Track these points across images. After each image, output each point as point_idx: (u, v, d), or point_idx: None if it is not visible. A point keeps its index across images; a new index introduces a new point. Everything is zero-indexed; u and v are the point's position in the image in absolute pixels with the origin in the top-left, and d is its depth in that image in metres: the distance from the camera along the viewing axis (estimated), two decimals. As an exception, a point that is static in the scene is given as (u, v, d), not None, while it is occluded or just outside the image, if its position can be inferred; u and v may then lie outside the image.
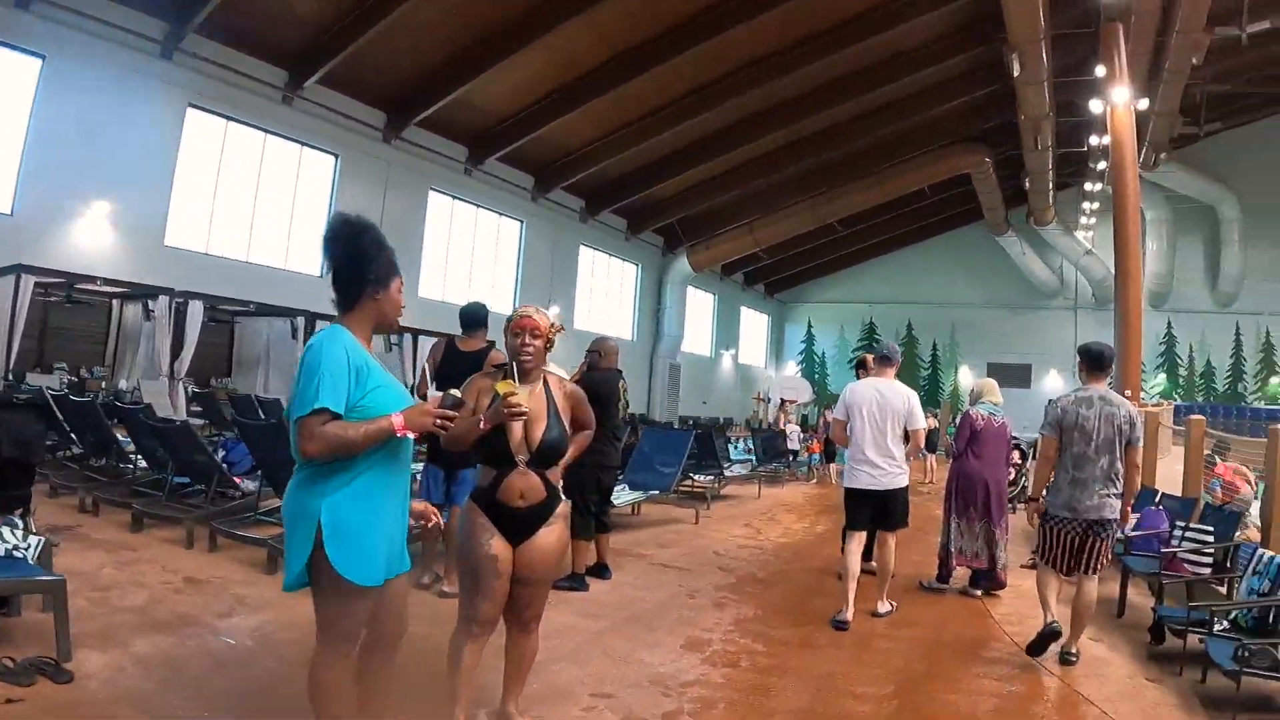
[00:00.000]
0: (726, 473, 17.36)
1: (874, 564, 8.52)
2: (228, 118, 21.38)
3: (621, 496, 11.63)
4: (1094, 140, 31.06)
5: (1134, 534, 9.08)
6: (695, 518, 13.27)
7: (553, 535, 4.54)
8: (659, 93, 26.86)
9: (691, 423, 35.32)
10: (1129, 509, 6.94)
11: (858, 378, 9.25)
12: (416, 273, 26.14)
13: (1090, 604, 6.72)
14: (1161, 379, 46.24)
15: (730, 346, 48.85)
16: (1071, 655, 6.67)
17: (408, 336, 22.71)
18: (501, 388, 4.26)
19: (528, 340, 4.56)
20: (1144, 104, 25.13)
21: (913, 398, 8.11)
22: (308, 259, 22.94)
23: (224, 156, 21.57)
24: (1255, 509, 9.20)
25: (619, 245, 37.49)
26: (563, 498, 4.65)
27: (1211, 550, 8.38)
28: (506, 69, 23.22)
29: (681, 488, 15.19)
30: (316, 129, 23.09)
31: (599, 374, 8.96)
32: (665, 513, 13.40)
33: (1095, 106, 25.44)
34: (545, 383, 4.65)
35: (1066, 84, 28.56)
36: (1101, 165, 33.52)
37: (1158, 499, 10.39)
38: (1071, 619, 6.70)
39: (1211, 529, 8.62)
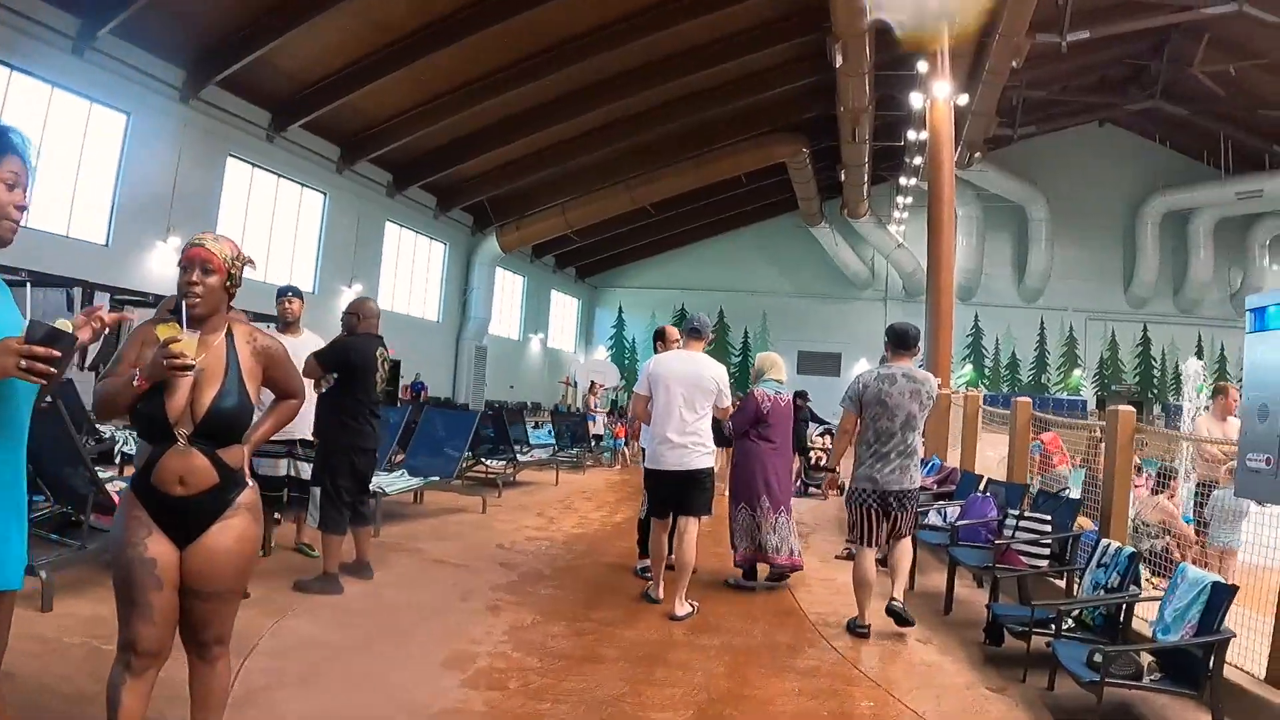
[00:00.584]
0: (523, 457, 16.88)
1: (671, 559, 7.95)
2: (10, 66, 20.15)
3: (396, 483, 11.23)
4: (911, 135, 32.24)
5: (961, 524, 9.01)
6: (483, 506, 12.73)
7: (230, 533, 3.55)
8: (473, 64, 26.72)
9: (496, 406, 35.29)
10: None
11: (655, 351, 8.82)
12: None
13: (907, 554, 7.42)
14: (968, 369, 48.91)
15: (539, 330, 49.03)
16: (897, 603, 7.08)
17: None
18: (162, 332, 3.39)
19: (197, 276, 3.57)
20: (963, 99, 26.11)
21: (723, 375, 7.85)
22: (92, 225, 22.14)
23: (3, 109, 20.35)
24: (1075, 493, 9.35)
25: (427, 223, 37.09)
26: (246, 483, 3.67)
27: (1049, 541, 7.84)
28: (314, 29, 22.68)
29: (474, 474, 15.24)
30: (108, 84, 21.96)
31: (356, 339, 8.04)
32: (452, 501, 12.73)
33: (915, 100, 26.34)
34: (230, 334, 3.69)
35: (888, 78, 29.82)
36: (917, 160, 35.05)
37: (983, 485, 10.29)
38: (892, 575, 7.31)
39: (1048, 517, 8.01)
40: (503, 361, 43.94)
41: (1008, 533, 8.16)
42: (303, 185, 29.72)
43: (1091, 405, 43.28)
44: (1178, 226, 46.93)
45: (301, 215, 30.16)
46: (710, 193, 41.09)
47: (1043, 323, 50.35)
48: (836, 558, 10.53)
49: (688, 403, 7.60)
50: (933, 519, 10.36)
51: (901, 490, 7.13)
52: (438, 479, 12.01)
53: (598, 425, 24.03)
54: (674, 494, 7.77)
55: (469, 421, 13.45)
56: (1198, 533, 8.97)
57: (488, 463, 15.53)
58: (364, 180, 32.06)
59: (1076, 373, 49.92)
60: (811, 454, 17.95)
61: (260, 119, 26.65)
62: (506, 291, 45.53)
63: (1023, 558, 7.92)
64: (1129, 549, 6.53)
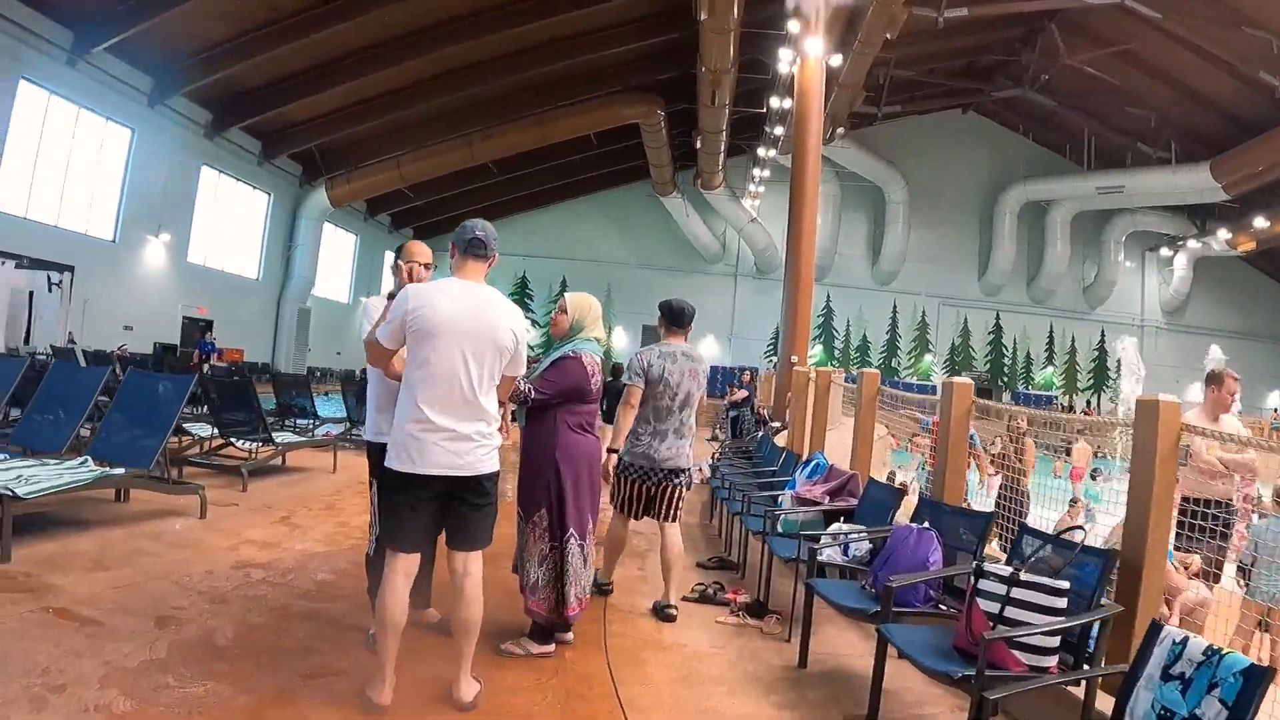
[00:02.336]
0: (281, 439, 12.66)
1: (430, 614, 6.05)
2: None
3: (42, 479, 7.36)
4: (775, 102, 31.38)
5: (896, 580, 5.37)
6: (200, 508, 8.88)
7: None
8: (299, -7, 24.80)
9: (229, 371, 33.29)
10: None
11: (397, 277, 5.65)
12: (-9, 181, 22.83)
13: (679, 553, 7.09)
14: (818, 350, 48.76)
15: (372, 293, 45.79)
16: (671, 609, 6.87)
17: None
18: None
19: None
20: (836, 60, 25.28)
21: (523, 323, 5.02)
22: None
23: None
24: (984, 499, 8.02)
25: (250, 170, 34.68)
26: None
27: (1065, 617, 4.48)
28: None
29: (227, 455, 11.97)
30: None
31: None
32: (167, 502, 8.95)
33: (783, 62, 25.26)
34: None
35: (754, 38, 28.64)
36: (778, 131, 34.52)
37: (903, 505, 7.24)
38: (665, 574, 7.02)
39: (1063, 583, 4.53)
40: (330, 326, 41.93)
41: (988, 602, 4.62)
42: (107, 119, 26.98)
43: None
44: (1035, 217, 47.91)
45: (105, 152, 27.38)
46: (557, 154, 39.89)
47: (895, 306, 50.66)
48: (687, 599, 7.32)
49: (475, 366, 4.67)
50: (830, 554, 6.78)
51: (675, 468, 6.99)
52: (119, 472, 8.32)
53: None
54: (440, 515, 4.81)
55: (179, 390, 9.25)
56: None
57: (239, 444, 11.96)
58: (178, 117, 29.48)
59: (928, 358, 50.46)
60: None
61: (60, 38, 23.89)
62: (336, 250, 43.56)
63: (1018, 654, 4.37)
64: (1240, 657, 3.58)
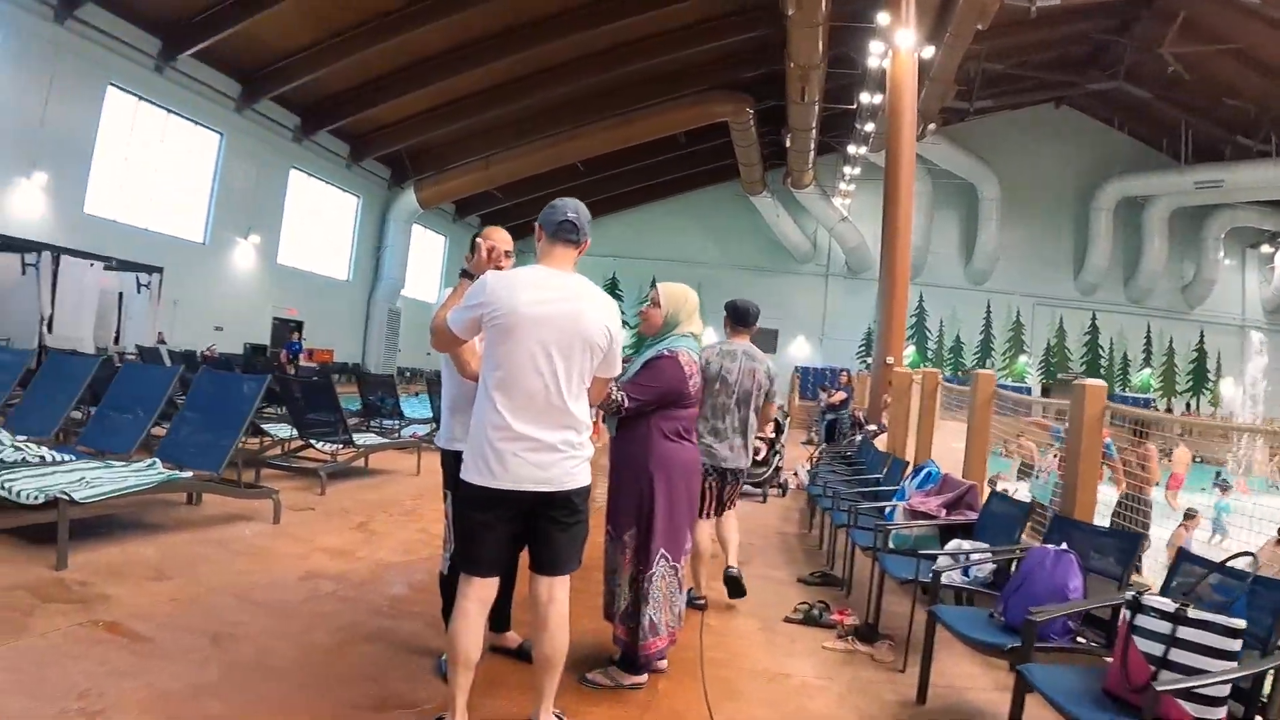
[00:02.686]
0: (363, 440, 11.93)
1: (510, 638, 5.35)
2: None
3: (101, 483, 6.85)
4: (865, 98, 30.82)
5: (1039, 613, 4.48)
6: (274, 514, 8.30)
7: None
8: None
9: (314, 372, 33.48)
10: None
11: (471, 266, 4.59)
12: (83, 183, 23.44)
13: (735, 526, 7.08)
14: (911, 350, 46.98)
15: (439, 297, 46.42)
16: (734, 569, 6.78)
17: (47, 256, 19.56)
18: None
19: None
20: (928, 53, 24.64)
21: (618, 318, 4.28)
22: None
23: None
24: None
25: (339, 173, 35.20)
26: None
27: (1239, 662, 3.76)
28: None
29: (307, 458, 11.49)
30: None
31: None
32: (238, 507, 8.51)
33: (874, 56, 24.73)
34: None
35: (843, 33, 28.11)
36: (869, 127, 33.88)
37: (1038, 527, 6.77)
38: (724, 547, 7.00)
39: (1239, 621, 3.76)
40: (419, 327, 41.23)
41: (1147, 642, 3.87)
42: (196, 123, 27.54)
43: (1036, 393, 42.34)
44: (1131, 214, 46.18)
45: (194, 156, 27.98)
46: (645, 154, 39.56)
47: (989, 306, 49.29)
48: (790, 620, 6.63)
49: (563, 365, 4.00)
50: (950, 574, 6.00)
51: (736, 468, 6.88)
52: (187, 475, 7.80)
53: None
54: (522, 534, 4.20)
55: (253, 389, 8.75)
56: None
57: (319, 446, 11.35)
58: (267, 122, 29.98)
59: (1022, 359, 48.96)
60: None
61: (148, 45, 24.43)
62: (426, 251, 44.02)
63: (1182, 700, 3.62)
64: None
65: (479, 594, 4.07)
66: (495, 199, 42.13)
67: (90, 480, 6.82)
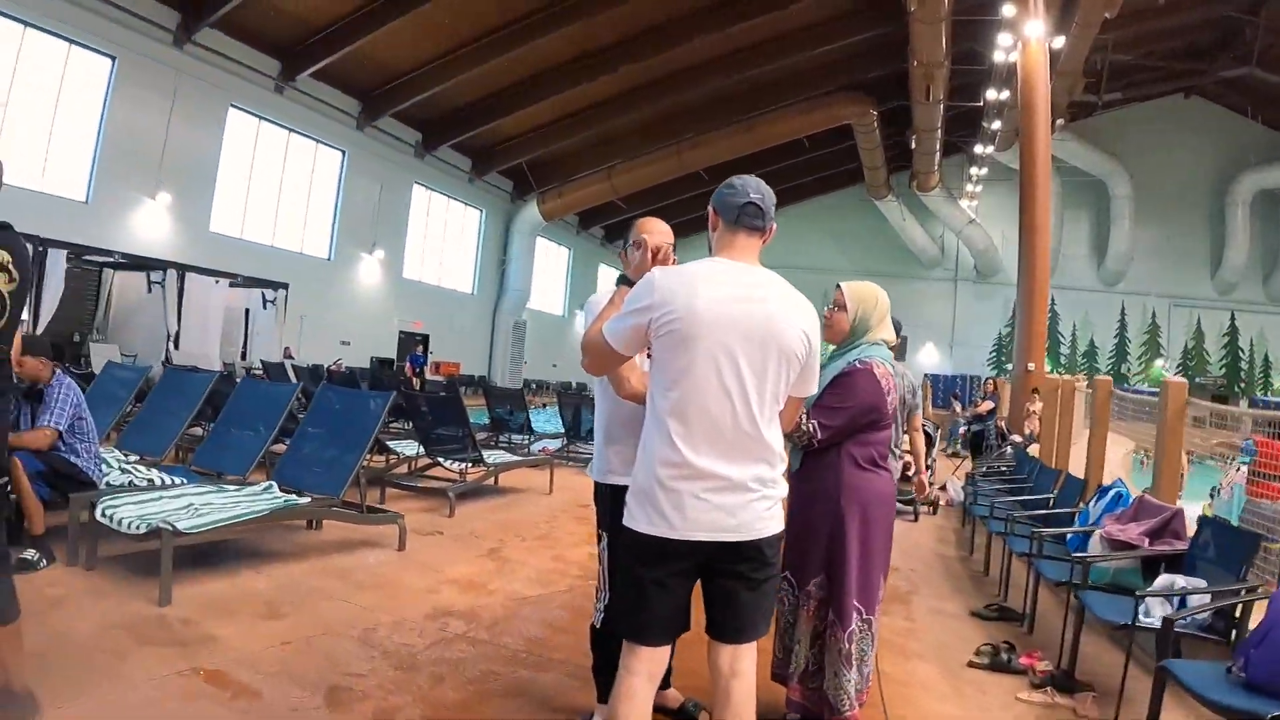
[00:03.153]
0: (493, 458, 11.26)
1: (671, 696, 4.50)
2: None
3: (207, 511, 6.40)
4: (991, 94, 30.07)
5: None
6: (399, 541, 7.75)
7: None
8: (499, 8, 24.90)
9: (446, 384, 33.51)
10: (924, 476, 7.01)
11: (630, 270, 3.90)
12: (209, 204, 23.89)
13: None
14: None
15: (585, 306, 46.38)
16: None
17: (173, 273, 19.98)
18: None
19: None
20: (1059, 42, 23.84)
21: (814, 319, 3.42)
22: (70, 180, 20.53)
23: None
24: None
25: (461, 187, 35.38)
26: None
27: None
28: (320, -34, 20.77)
29: (434, 476, 11.02)
30: (89, 24, 20.26)
31: None
32: (361, 532, 8.00)
33: (1003, 41, 23.86)
34: None
35: (967, 27, 27.32)
36: (996, 125, 33.30)
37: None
38: None
39: None
40: (544, 339, 42.36)
41: None
42: (318, 142, 27.94)
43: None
44: (1270, 208, 44.17)
45: (317, 174, 28.36)
46: (769, 160, 38.00)
47: (1123, 308, 47.43)
48: (974, 664, 5.79)
49: (754, 382, 3.17)
50: (1154, 608, 5.23)
51: None
52: (304, 501, 7.26)
53: None
54: (694, 594, 3.33)
55: (377, 407, 8.10)
56: None
57: (447, 464, 10.84)
58: (388, 139, 30.29)
59: (1158, 363, 46.83)
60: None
61: (267, 67, 24.86)
62: (549, 263, 44.03)
63: None
64: None
65: (648, 667, 3.22)
66: (619, 210, 41.77)
67: (198, 507, 6.44)
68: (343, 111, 27.95)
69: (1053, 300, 44.74)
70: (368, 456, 8.74)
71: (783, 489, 3.27)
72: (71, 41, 20.25)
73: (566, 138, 33.26)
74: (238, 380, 10.81)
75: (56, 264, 17.26)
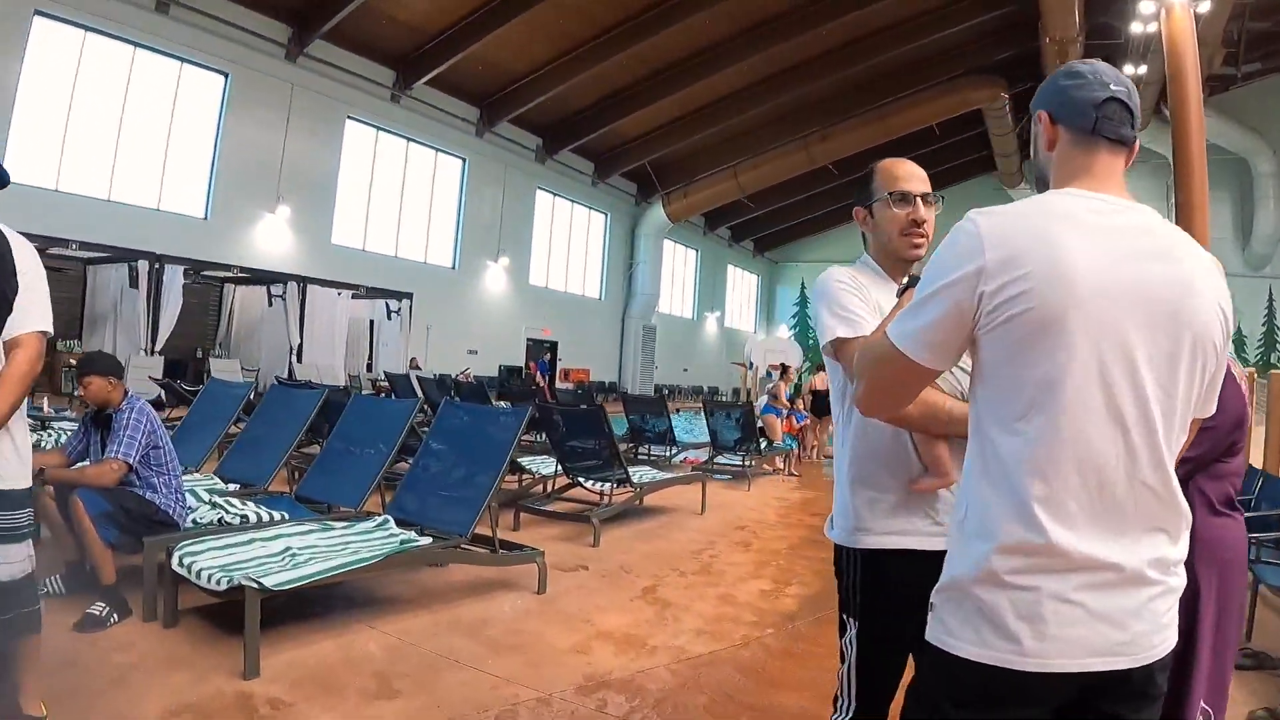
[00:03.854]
0: (639, 475, 9.94)
1: None
2: (85, 27, 18.39)
3: (312, 562, 5.12)
4: (1129, 69, 28.48)
5: None
6: (539, 581, 6.38)
7: None
8: (614, 4, 24.09)
9: (577, 393, 32.79)
10: None
11: (873, 222, 2.86)
12: (329, 216, 23.60)
13: None
14: None
15: (715, 308, 46.40)
16: None
17: (294, 285, 19.57)
18: None
19: None
20: (1204, 6, 22.28)
21: (1223, 283, 2.01)
22: (188, 198, 20.46)
23: (79, 75, 18.55)
24: None
25: (584, 191, 34.73)
26: None
27: None
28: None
29: (574, 499, 9.34)
30: (201, 43, 20.12)
31: None
32: (502, 575, 6.65)
33: (1143, 9, 22.30)
34: None
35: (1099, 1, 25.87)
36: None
37: None
38: None
39: None
40: (674, 342, 41.53)
41: None
42: (437, 150, 27.51)
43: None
44: None
45: (438, 182, 27.95)
46: (897, 151, 36.69)
47: (1271, 294, 43.97)
48: None
49: (1161, 400, 1.74)
50: None
51: None
52: (424, 542, 5.92)
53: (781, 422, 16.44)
54: None
55: (511, 426, 6.73)
56: None
57: (588, 484, 9.31)
58: (509, 144, 29.69)
59: None
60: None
61: (382, 77, 24.48)
62: (677, 266, 43.13)
63: None
64: None
65: None
66: (746, 209, 40.67)
67: (296, 551, 5.26)
68: (461, 119, 27.47)
69: None
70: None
71: (1181, 577, 1.87)
72: (184, 60, 20.11)
73: (689, 136, 32.32)
74: (355, 394, 9.84)
75: (174, 280, 16.96)
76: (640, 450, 13.51)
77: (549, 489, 9.93)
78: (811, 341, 47.55)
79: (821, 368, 15.21)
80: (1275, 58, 35.76)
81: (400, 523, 6.15)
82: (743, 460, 13.64)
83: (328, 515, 6.44)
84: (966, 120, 35.09)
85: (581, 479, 9.28)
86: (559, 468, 9.73)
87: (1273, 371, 10.35)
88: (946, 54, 30.35)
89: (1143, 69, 27.22)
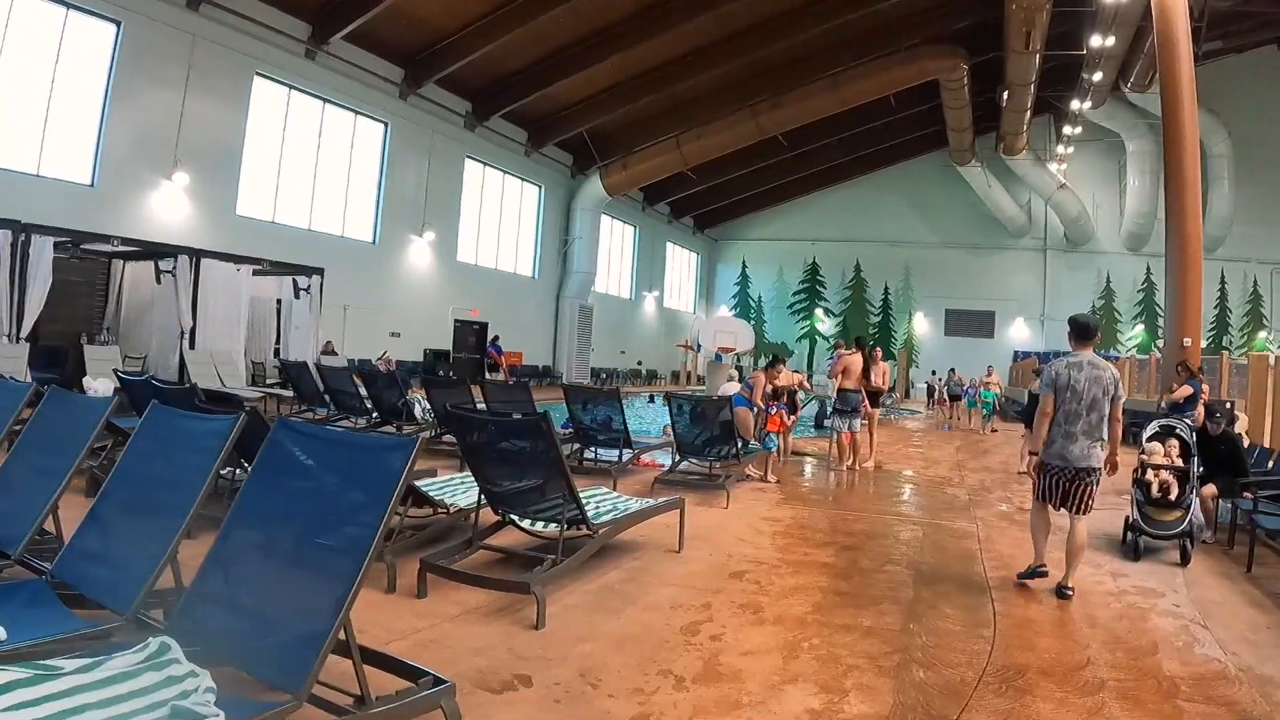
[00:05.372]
0: (598, 507, 7.17)
1: None
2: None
3: None
4: (1097, 41, 27.56)
5: None
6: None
7: None
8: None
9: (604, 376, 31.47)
10: (1115, 459, 7.17)
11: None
12: (234, 184, 21.62)
13: (1082, 543, 7.01)
14: (1140, 330, 44.71)
15: (654, 288, 45.19)
16: (1068, 590, 6.83)
17: (185, 259, 17.12)
18: None
19: None
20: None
21: None
22: (75, 165, 18.54)
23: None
24: None
25: (517, 161, 33.05)
26: None
27: None
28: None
29: (500, 548, 6.51)
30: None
31: None
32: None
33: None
34: None
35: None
36: (1098, 76, 31.69)
37: None
38: (1067, 558, 6.98)
39: None
40: (611, 323, 40.07)
41: None
42: (357, 113, 25.51)
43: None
44: (1378, 163, 40.75)
45: (357, 147, 25.93)
46: (849, 124, 36.68)
47: (1223, 277, 43.74)
48: None
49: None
50: None
51: (1087, 467, 7.00)
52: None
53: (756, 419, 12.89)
54: None
55: (396, 464, 3.53)
56: None
57: (532, 526, 6.73)
58: (436, 108, 27.83)
59: (1261, 335, 43.76)
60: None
61: (295, 29, 22.52)
62: (615, 243, 41.73)
63: None
64: None
65: None
66: (687, 184, 39.55)
67: None
68: (383, 79, 25.56)
69: (1148, 269, 44.35)
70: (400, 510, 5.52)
71: None
72: (69, 5, 18.01)
73: (630, 103, 30.99)
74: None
75: (42, 254, 14.56)
76: (587, 454, 11.31)
77: (473, 532, 6.57)
78: (753, 321, 46.63)
79: (780, 361, 13.54)
80: (1235, 37, 35.72)
81: (189, 652, 3.37)
82: (712, 467, 10.92)
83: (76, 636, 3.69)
84: (920, 94, 34.63)
85: (516, 518, 6.64)
86: (481, 498, 6.52)
87: (1255, 354, 11.56)
88: (905, 21, 29.68)
89: (1110, 40, 26.20)
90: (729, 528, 8.58)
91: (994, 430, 23.49)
